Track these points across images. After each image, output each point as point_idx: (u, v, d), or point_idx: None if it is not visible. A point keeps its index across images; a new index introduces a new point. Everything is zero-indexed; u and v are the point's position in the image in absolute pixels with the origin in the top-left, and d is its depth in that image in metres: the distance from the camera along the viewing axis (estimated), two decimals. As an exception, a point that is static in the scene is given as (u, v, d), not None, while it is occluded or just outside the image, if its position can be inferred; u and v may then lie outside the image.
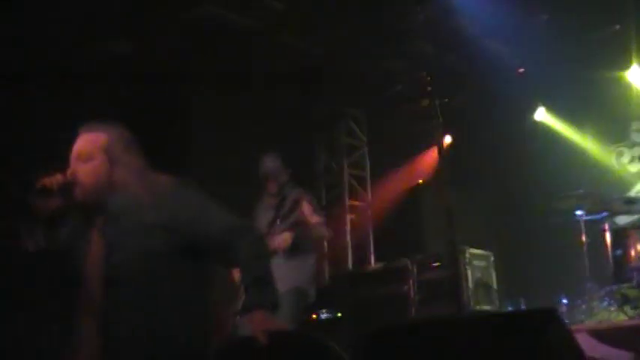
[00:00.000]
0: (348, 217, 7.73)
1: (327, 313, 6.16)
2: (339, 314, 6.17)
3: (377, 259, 7.44)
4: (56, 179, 2.29)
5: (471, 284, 5.87)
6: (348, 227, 7.69)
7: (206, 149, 6.39)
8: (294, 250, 4.54)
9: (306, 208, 4.66)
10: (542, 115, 7.07)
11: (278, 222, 4.57)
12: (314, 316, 5.93)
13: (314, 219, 4.69)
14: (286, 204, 4.64)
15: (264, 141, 5.72)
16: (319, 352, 2.15)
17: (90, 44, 5.58)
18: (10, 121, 5.28)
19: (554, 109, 7.04)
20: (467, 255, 5.99)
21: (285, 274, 4.47)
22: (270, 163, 4.78)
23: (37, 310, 2.43)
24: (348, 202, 7.76)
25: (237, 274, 4.34)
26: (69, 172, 2.34)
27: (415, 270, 6.18)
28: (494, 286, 6.19)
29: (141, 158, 2.44)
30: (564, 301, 5.56)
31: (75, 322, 2.24)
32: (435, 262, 6.10)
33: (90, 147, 2.38)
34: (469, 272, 5.92)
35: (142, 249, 2.24)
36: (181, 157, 5.96)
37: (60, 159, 2.42)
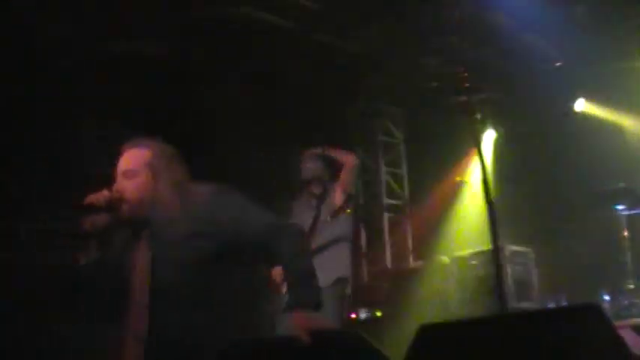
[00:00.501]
0: (386, 215, 7.71)
1: (366, 312, 6.16)
2: (379, 313, 6.17)
3: (416, 258, 7.41)
4: (103, 196, 2.36)
5: (511, 281, 5.82)
6: (386, 226, 7.67)
7: (242, 150, 6.44)
8: (347, 242, 4.57)
9: (338, 196, 4.65)
10: (582, 106, 6.95)
11: (327, 218, 4.56)
12: (353, 315, 5.94)
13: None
14: (327, 202, 4.63)
15: (300, 141, 5.74)
16: (363, 351, 2.16)
17: (117, 44, 5.66)
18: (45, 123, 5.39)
19: (594, 100, 6.91)
20: (507, 252, 5.93)
21: (325, 265, 4.49)
22: (312, 165, 4.75)
23: (85, 320, 2.49)
24: (385, 200, 7.74)
25: (276, 273, 4.37)
26: (115, 188, 2.41)
27: (455, 268, 6.15)
28: (535, 283, 6.12)
29: (183, 170, 2.50)
30: (606, 297, 5.47)
31: (122, 332, 2.30)
32: (475, 259, 6.06)
33: (134, 163, 2.45)
34: (509, 269, 5.86)
35: (186, 259, 2.30)
36: (218, 159, 6.02)
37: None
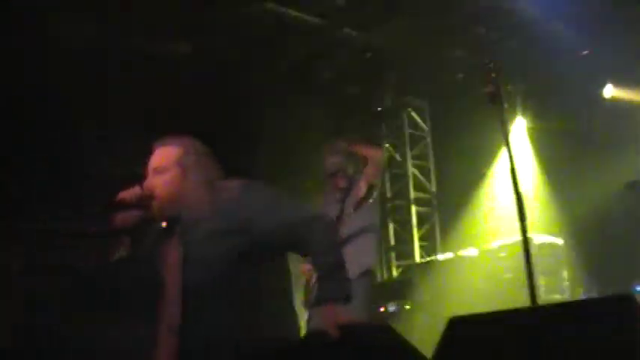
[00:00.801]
0: (414, 208, 7.68)
1: (395, 305, 6.14)
2: (408, 307, 6.15)
3: (444, 250, 7.37)
4: (134, 193, 2.38)
5: (540, 273, 5.76)
6: (414, 219, 7.64)
7: (271, 144, 6.46)
8: (373, 232, 4.56)
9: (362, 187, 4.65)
10: (610, 92, 6.82)
11: (352, 211, 4.56)
12: (382, 308, 5.93)
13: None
14: (356, 191, 4.63)
15: (326, 135, 5.74)
16: (393, 344, 2.15)
17: (151, 45, 5.71)
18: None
19: (622, 86, 6.79)
20: (536, 243, 5.87)
21: (351, 258, 4.48)
22: (335, 159, 4.75)
23: (118, 316, 2.52)
24: (413, 193, 7.71)
25: (304, 269, 4.38)
26: (145, 185, 2.43)
27: (484, 260, 6.11)
28: (565, 274, 6.05)
29: (214, 167, 2.51)
30: (639, 288, 5.39)
31: (156, 328, 2.32)
32: (504, 251, 6.01)
33: (165, 161, 2.47)
34: (539, 261, 5.80)
35: (216, 256, 2.31)
36: (247, 154, 6.04)
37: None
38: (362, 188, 4.66)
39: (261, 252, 2.35)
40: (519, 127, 7.10)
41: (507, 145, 3.60)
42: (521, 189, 3.58)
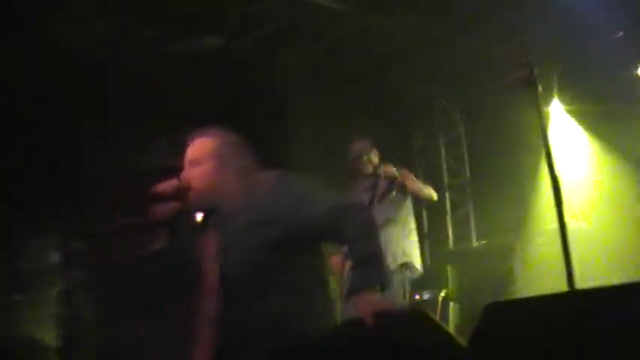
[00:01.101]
0: (447, 195, 7.63)
1: (430, 293, 6.11)
2: (443, 294, 6.12)
3: (479, 237, 7.31)
4: (171, 185, 2.41)
5: (576, 259, 5.67)
6: (448, 206, 7.59)
7: (302, 138, 6.46)
8: (398, 224, 4.54)
9: (405, 173, 4.64)
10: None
11: (375, 202, 4.56)
12: (417, 296, 5.90)
13: (417, 181, 4.67)
14: (381, 183, 4.64)
15: (359, 125, 5.72)
16: (430, 332, 2.14)
17: (181, 38, 5.74)
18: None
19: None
20: (573, 229, 5.78)
21: (392, 249, 4.48)
22: (359, 145, 4.79)
23: (157, 306, 2.56)
24: (446, 180, 7.65)
25: (335, 260, 4.39)
26: (182, 177, 2.45)
27: (519, 247, 6.05)
28: (600, 260, 5.95)
29: (249, 158, 2.52)
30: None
31: (192, 316, 2.34)
32: (540, 237, 5.94)
33: (201, 153, 2.49)
34: (575, 247, 5.71)
35: (253, 246, 2.32)
36: (278, 147, 6.05)
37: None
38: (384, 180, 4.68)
39: (297, 242, 2.35)
40: (554, 110, 6.97)
41: (542, 128, 3.55)
42: (557, 173, 3.52)
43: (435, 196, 4.99)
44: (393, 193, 4.60)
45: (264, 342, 2.25)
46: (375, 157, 4.80)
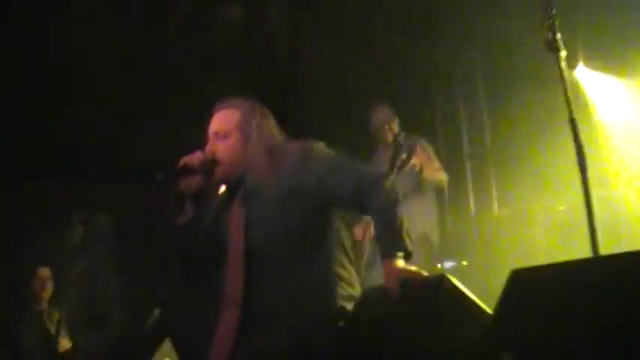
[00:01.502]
0: (468, 164, 7.57)
1: (452, 261, 6.11)
2: (465, 262, 6.11)
3: (500, 205, 7.26)
4: (197, 158, 2.39)
5: (600, 227, 5.62)
6: (469, 174, 7.54)
7: (324, 105, 6.43)
8: (416, 196, 4.52)
9: (422, 154, 4.62)
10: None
11: (395, 171, 4.55)
12: (439, 265, 5.90)
13: (432, 165, 4.64)
14: (401, 153, 4.61)
15: (379, 92, 5.67)
16: (456, 298, 2.14)
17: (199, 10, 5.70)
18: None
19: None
20: (595, 196, 5.71)
21: (410, 223, 4.46)
22: (381, 113, 4.76)
23: (183, 280, 2.57)
24: (467, 148, 7.59)
25: (358, 231, 4.39)
26: (207, 150, 2.44)
27: (542, 214, 6.00)
28: (624, 227, 5.89)
29: (274, 129, 2.51)
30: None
31: (218, 293, 2.35)
32: (563, 205, 5.89)
33: (226, 125, 2.48)
34: (598, 214, 5.65)
35: (280, 218, 2.32)
36: (301, 115, 6.03)
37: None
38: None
39: (324, 212, 2.35)
40: (580, 75, 6.83)
41: (566, 94, 3.49)
42: (581, 140, 3.47)
43: (445, 183, 4.95)
44: (413, 160, 4.57)
45: (291, 314, 2.25)
46: (395, 126, 4.77)
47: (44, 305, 5.91)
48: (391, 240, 2.25)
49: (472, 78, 7.79)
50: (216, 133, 2.47)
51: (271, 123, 2.52)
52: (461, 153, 7.59)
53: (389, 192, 2.34)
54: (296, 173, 2.35)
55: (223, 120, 2.49)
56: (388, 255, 2.23)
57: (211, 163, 2.41)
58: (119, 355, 5.72)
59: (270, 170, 2.38)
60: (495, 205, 7.40)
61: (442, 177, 4.86)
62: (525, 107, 6.89)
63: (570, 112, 3.42)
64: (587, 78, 6.76)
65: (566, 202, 5.92)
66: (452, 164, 7.64)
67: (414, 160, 4.50)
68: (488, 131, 7.70)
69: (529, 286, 2.01)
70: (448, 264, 6.01)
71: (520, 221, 6.15)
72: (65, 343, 5.53)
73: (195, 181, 2.39)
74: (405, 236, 2.27)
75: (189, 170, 2.37)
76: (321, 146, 2.45)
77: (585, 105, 6.69)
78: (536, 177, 6.89)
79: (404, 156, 4.58)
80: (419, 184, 4.63)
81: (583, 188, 3.57)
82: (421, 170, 4.56)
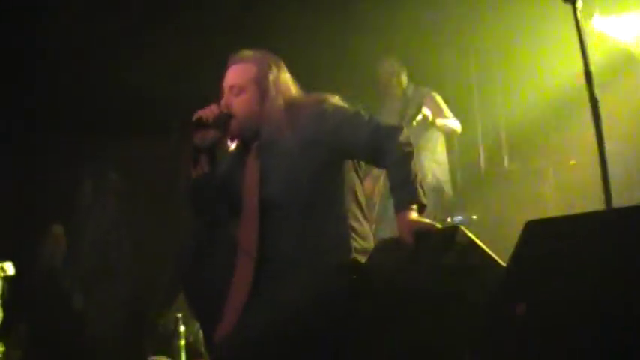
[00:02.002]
0: (479, 117, 7.52)
1: (461, 216, 6.12)
2: (475, 217, 6.12)
3: (511, 160, 7.24)
4: (212, 112, 2.38)
5: (611, 182, 5.60)
6: (480, 128, 7.49)
7: (331, 58, 6.36)
8: (428, 148, 4.51)
9: (432, 104, 4.60)
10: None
11: (404, 124, 4.53)
12: (449, 219, 5.92)
13: (443, 115, 4.62)
14: (410, 105, 4.59)
15: (389, 44, 5.60)
16: (469, 250, 2.14)
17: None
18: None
19: None
20: (607, 151, 5.68)
21: (422, 175, 4.46)
22: (388, 66, 4.72)
23: (197, 232, 2.57)
24: (478, 101, 7.53)
25: (368, 184, 4.39)
26: (222, 104, 2.43)
27: (553, 169, 5.98)
28: (636, 182, 5.87)
29: (290, 83, 2.49)
30: None
31: (233, 244, 2.36)
32: (573, 160, 5.86)
33: (241, 79, 2.46)
34: (611, 168, 5.63)
35: (294, 172, 2.32)
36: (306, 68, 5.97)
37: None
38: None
39: (340, 165, 2.35)
40: (596, 25, 6.69)
41: (581, 45, 3.43)
42: (596, 93, 3.43)
43: (459, 131, 4.92)
44: (422, 111, 4.53)
45: (305, 266, 2.27)
46: (404, 78, 4.74)
47: (58, 262, 5.98)
48: (406, 192, 2.25)
49: (482, 29, 7.67)
50: (231, 87, 2.45)
51: (287, 76, 2.51)
52: (472, 106, 7.53)
53: (405, 144, 2.33)
54: (312, 125, 2.34)
55: (239, 74, 2.46)
56: (403, 207, 2.23)
57: (226, 118, 2.39)
58: (133, 310, 5.80)
59: (286, 123, 2.37)
60: (506, 160, 7.38)
61: (455, 126, 4.82)
62: (538, 59, 6.79)
63: (586, 64, 3.37)
64: (605, 25, 6.60)
65: (577, 157, 5.89)
66: (463, 118, 7.60)
67: (424, 112, 4.46)
68: (499, 83, 7.62)
69: (543, 237, 2.01)
70: (458, 218, 6.01)
71: (530, 176, 6.13)
72: (80, 299, 5.61)
73: (210, 135, 2.38)
74: (419, 188, 2.27)
75: (204, 124, 2.36)
76: (336, 99, 2.44)
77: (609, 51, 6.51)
78: (548, 131, 6.84)
79: (413, 109, 4.55)
80: (430, 136, 4.61)
81: (597, 143, 3.55)
82: (432, 122, 4.53)
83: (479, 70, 7.64)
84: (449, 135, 4.84)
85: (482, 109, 7.57)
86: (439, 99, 4.80)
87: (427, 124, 4.60)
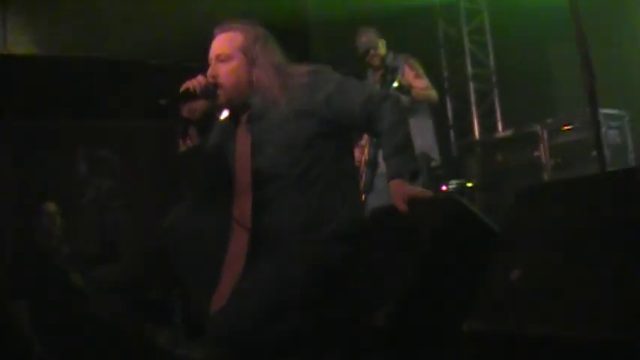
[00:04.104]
0: (472, 85, 7.49)
1: (456, 183, 6.12)
2: (469, 184, 6.13)
3: (505, 126, 7.23)
4: (198, 82, 2.33)
5: (605, 146, 5.60)
6: (473, 96, 7.46)
7: (321, 32, 6.29)
8: (411, 116, 4.49)
9: (408, 72, 4.58)
10: None
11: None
12: (444, 187, 5.92)
13: (418, 83, 4.60)
14: (390, 72, 4.57)
15: (377, 15, 5.55)
16: (463, 216, 2.14)
17: None
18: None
19: None
20: (601, 115, 5.67)
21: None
22: (364, 37, 4.71)
23: (190, 206, 2.54)
24: (470, 70, 7.49)
25: (359, 153, 4.39)
26: (209, 73, 2.38)
27: (546, 135, 5.97)
28: (630, 146, 5.87)
29: (279, 53, 2.44)
30: None
31: (226, 218, 2.34)
32: (567, 124, 5.85)
33: (228, 48, 2.40)
34: (603, 134, 5.62)
35: (286, 142, 2.30)
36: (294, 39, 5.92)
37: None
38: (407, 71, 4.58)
39: (333, 134, 2.34)
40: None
41: (573, 7, 3.41)
42: (589, 57, 3.42)
43: (435, 99, 4.88)
44: (395, 84, 4.50)
45: (300, 237, 2.26)
46: (382, 49, 4.73)
47: (54, 241, 5.97)
48: (401, 159, 2.24)
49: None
50: (217, 57, 2.40)
51: (275, 46, 2.46)
52: (465, 75, 7.50)
53: (397, 111, 2.32)
54: (304, 96, 2.31)
55: (225, 43, 2.41)
56: (397, 174, 2.23)
57: (214, 87, 2.35)
58: (129, 288, 5.81)
59: (279, 91, 2.33)
60: (500, 126, 7.37)
61: (431, 94, 4.80)
62: (530, 25, 6.74)
63: (579, 28, 3.35)
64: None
65: (571, 123, 5.87)
66: (455, 86, 7.57)
67: (400, 81, 4.45)
68: (492, 52, 7.58)
69: (536, 203, 2.01)
70: (453, 186, 6.02)
71: (524, 143, 6.12)
72: (76, 278, 5.60)
73: (198, 107, 2.34)
74: (413, 156, 2.27)
75: (191, 95, 2.33)
76: (328, 68, 2.42)
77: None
78: (541, 96, 6.82)
79: (390, 77, 4.52)
80: (411, 104, 4.59)
81: (590, 106, 3.54)
82: (408, 90, 4.52)
83: (471, 38, 7.59)
84: (425, 102, 4.81)
85: (476, 77, 7.52)
86: (417, 66, 4.78)
87: (405, 92, 4.58)
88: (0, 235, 4.61)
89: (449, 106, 7.52)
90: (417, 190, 2.22)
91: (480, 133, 7.36)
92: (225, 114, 2.47)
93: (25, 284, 5.46)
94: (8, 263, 4.98)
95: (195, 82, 2.34)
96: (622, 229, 1.76)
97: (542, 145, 5.97)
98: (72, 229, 5.85)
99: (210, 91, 2.34)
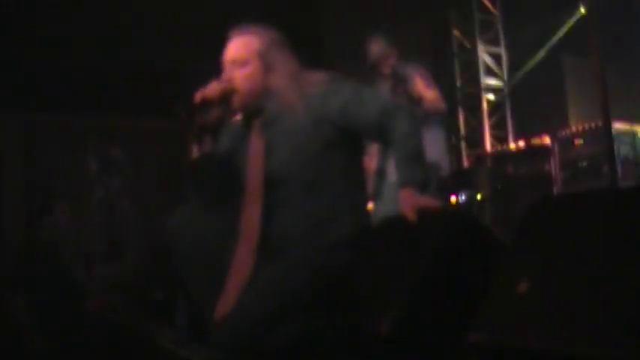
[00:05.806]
0: (485, 96, 7.48)
1: (467, 195, 6.10)
2: (480, 196, 6.10)
3: (516, 138, 7.21)
4: (214, 89, 2.31)
5: (617, 160, 5.57)
6: (485, 107, 7.45)
7: (337, 35, 6.30)
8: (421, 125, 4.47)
9: (419, 82, 4.55)
10: None
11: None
12: (454, 198, 5.90)
13: (429, 94, 4.58)
14: (400, 82, 4.54)
15: (392, 22, 5.54)
16: (471, 229, 2.13)
17: None
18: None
19: None
20: (616, 128, 5.64)
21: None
22: (375, 45, 4.68)
23: (196, 207, 2.53)
24: (483, 81, 7.48)
25: (369, 160, 4.37)
26: (224, 78, 2.36)
27: (557, 147, 5.95)
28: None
29: (293, 59, 2.43)
30: None
31: (234, 220, 2.33)
32: (578, 138, 5.82)
33: (244, 52, 2.38)
34: (616, 148, 5.59)
35: (299, 148, 2.28)
36: (311, 48, 5.93)
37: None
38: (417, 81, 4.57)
39: (346, 142, 2.33)
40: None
41: (589, 19, 3.39)
42: (604, 68, 3.40)
43: (443, 112, 4.85)
44: (408, 89, 4.47)
45: (308, 243, 2.25)
46: (393, 59, 4.70)
47: (63, 239, 5.98)
48: (412, 169, 2.23)
49: (488, 7, 7.61)
50: (233, 61, 2.38)
51: (290, 52, 2.45)
52: (477, 86, 7.49)
53: (412, 122, 2.30)
54: (318, 103, 2.29)
55: (241, 47, 2.39)
56: (408, 184, 2.21)
57: (229, 93, 2.34)
58: (137, 286, 5.81)
59: (295, 97, 2.31)
60: (511, 138, 7.35)
61: (441, 105, 4.77)
62: (543, 37, 6.72)
63: (593, 38, 3.34)
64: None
65: (584, 135, 5.84)
66: (468, 97, 7.57)
67: (411, 91, 4.43)
68: (505, 63, 7.58)
69: (547, 215, 2.00)
70: (463, 196, 6.00)
71: (535, 156, 6.10)
72: (82, 274, 5.61)
73: (213, 114, 2.32)
74: (424, 166, 2.26)
75: (207, 103, 2.30)
76: (343, 77, 2.40)
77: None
78: (553, 109, 6.79)
79: (400, 87, 4.50)
80: (422, 114, 4.57)
81: (603, 119, 3.52)
82: (419, 101, 4.49)
83: (485, 49, 7.58)
84: (434, 113, 4.79)
85: (488, 87, 7.51)
86: (428, 75, 4.76)
87: (415, 103, 4.55)
88: (10, 233, 4.62)
89: (461, 116, 7.51)
90: (427, 199, 2.20)
91: (491, 144, 7.35)
92: (242, 119, 2.45)
93: (33, 281, 5.48)
94: (17, 261, 4.99)
95: (211, 90, 2.32)
96: (632, 245, 1.74)
97: (552, 158, 5.94)
98: (80, 227, 5.86)
99: (226, 96, 2.33)
